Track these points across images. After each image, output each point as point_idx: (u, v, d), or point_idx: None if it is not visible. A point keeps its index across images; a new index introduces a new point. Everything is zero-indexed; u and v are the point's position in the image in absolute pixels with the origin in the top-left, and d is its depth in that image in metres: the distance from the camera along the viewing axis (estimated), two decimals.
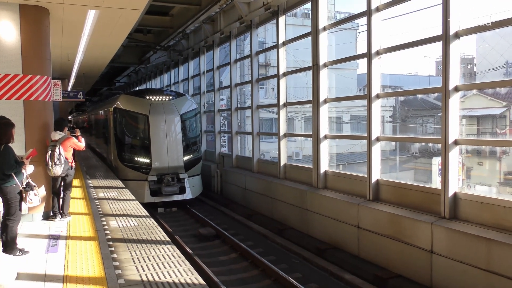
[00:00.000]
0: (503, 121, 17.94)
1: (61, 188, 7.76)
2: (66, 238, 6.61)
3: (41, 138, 7.54)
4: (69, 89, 19.17)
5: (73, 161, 7.93)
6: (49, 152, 7.25)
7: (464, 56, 23.40)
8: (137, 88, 29.63)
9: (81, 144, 8.09)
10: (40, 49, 7.63)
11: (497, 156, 16.79)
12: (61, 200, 7.76)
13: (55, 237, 6.63)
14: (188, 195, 13.89)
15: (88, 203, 9.14)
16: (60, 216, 7.65)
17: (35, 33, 7.52)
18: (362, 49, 9.06)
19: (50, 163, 7.20)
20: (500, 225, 6.19)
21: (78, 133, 8.64)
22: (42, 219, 7.68)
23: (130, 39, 17.13)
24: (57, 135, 7.52)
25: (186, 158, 14.03)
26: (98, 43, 11.30)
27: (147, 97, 14.22)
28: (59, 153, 7.21)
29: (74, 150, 7.94)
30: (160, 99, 14.24)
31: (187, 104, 14.89)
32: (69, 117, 41.99)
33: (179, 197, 13.67)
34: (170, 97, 14.60)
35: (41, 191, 7.35)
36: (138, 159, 13.77)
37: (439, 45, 7.04)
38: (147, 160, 13.56)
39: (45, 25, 7.84)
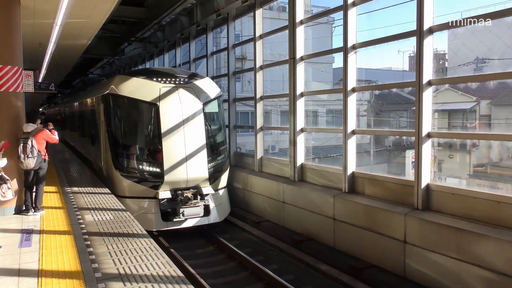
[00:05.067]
0: (473, 115, 18.50)
1: (34, 182, 7.58)
2: (40, 232, 6.48)
3: (12, 130, 7.34)
4: (40, 80, 18.65)
5: (46, 154, 7.74)
6: (21, 144, 7.07)
7: (436, 51, 23.94)
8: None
9: (55, 136, 7.92)
10: (11, 38, 7.40)
11: (467, 149, 17.33)
12: (33, 193, 7.59)
13: (29, 232, 6.49)
14: (213, 217, 10.28)
15: (61, 196, 8.96)
16: (33, 210, 7.48)
17: (4, 22, 7.30)
18: (337, 43, 9.17)
19: (22, 155, 7.02)
20: (470, 215, 6.40)
21: (51, 127, 8.41)
22: (14, 214, 7.50)
23: (104, 30, 16.75)
24: (29, 127, 7.33)
25: (211, 165, 10.21)
26: (71, 33, 11.04)
27: (155, 79, 10.25)
28: (32, 146, 7.04)
29: (47, 143, 7.75)
30: (173, 82, 10.29)
31: (211, 88, 11.01)
32: (40, 109, 40.96)
33: (203, 221, 10.08)
34: (187, 79, 10.67)
35: (13, 184, 7.16)
36: (143, 167, 9.86)
37: (413, 40, 7.20)
38: (157, 169, 9.71)
39: (16, 13, 7.60)
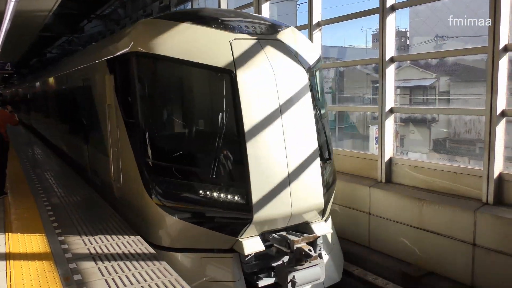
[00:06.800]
0: (433, 92, 19.14)
1: None
2: (4, 216, 6.34)
3: None
4: None
5: (7, 136, 7.51)
6: None
7: (398, 29, 24.41)
8: None
9: (15, 119, 7.69)
10: None
11: (427, 124, 17.98)
12: None
13: None
14: (330, 275, 5.80)
15: (26, 179, 8.74)
16: None
17: None
18: (302, 21, 9.23)
19: None
20: (430, 186, 6.71)
21: (10, 109, 8.13)
22: None
23: (62, 7, 16.09)
24: None
25: (325, 182, 5.75)
26: (27, 8, 10.58)
27: (215, 25, 5.43)
28: None
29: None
30: (253, 31, 5.56)
31: (306, 44, 6.28)
32: None
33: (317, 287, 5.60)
34: (269, 27, 5.91)
35: None
36: (209, 193, 5.08)
37: (376, 18, 7.34)
38: (237, 197, 5.07)
39: None
